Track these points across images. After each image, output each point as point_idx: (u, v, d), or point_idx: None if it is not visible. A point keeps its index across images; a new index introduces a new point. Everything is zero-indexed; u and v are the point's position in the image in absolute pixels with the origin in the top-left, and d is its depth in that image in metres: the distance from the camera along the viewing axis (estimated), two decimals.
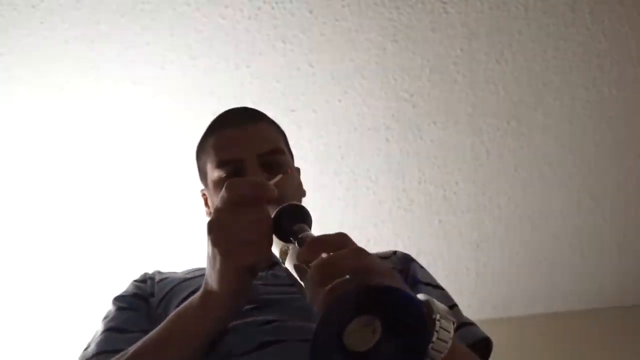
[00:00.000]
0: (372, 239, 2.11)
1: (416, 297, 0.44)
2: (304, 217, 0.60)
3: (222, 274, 0.58)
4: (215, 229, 0.58)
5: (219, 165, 0.84)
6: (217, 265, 0.58)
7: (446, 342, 0.49)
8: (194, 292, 0.73)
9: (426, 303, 0.49)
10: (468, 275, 2.26)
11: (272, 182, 0.77)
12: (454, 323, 0.50)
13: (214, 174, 0.85)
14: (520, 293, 2.36)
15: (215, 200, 0.84)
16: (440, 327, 0.49)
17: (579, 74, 1.71)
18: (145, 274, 0.90)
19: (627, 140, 1.90)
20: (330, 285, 0.44)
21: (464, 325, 0.75)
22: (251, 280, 0.62)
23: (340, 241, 0.49)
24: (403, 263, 0.87)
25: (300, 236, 0.55)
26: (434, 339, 0.48)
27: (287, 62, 1.62)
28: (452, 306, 0.78)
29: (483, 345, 0.75)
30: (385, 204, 2.01)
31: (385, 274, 0.47)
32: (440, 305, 0.51)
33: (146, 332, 0.68)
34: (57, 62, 1.55)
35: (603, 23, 1.60)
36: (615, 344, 2.18)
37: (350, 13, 1.52)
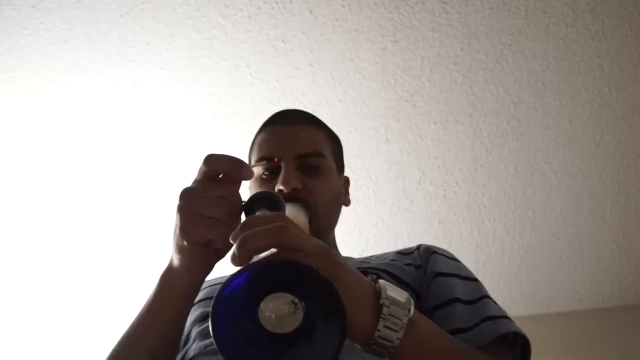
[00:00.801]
0: (372, 239, 2.11)
1: (324, 275, 0.40)
2: (278, 205, 0.58)
3: (178, 247, 0.59)
4: (182, 199, 0.58)
5: (258, 161, 0.85)
6: (175, 236, 0.58)
7: (395, 330, 0.47)
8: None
9: (375, 287, 0.47)
10: None
11: (278, 187, 0.78)
12: (409, 311, 0.48)
13: (254, 170, 0.85)
14: (520, 293, 2.36)
15: None
16: (389, 314, 0.47)
17: (578, 74, 1.71)
18: None
19: (627, 140, 1.90)
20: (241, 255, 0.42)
21: (489, 318, 0.68)
22: (211, 258, 0.61)
23: (272, 219, 0.46)
24: (423, 257, 0.84)
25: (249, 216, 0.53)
26: (379, 326, 0.46)
27: (287, 62, 1.62)
28: (480, 298, 0.72)
29: (510, 341, 0.66)
30: (385, 204, 2.01)
31: (314, 253, 0.45)
32: (396, 293, 0.48)
33: None
34: (57, 62, 1.55)
35: (603, 23, 1.60)
36: (615, 344, 2.18)
37: (350, 13, 1.52)
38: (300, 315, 0.41)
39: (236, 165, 0.57)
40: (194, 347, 0.71)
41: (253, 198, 0.58)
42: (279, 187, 0.80)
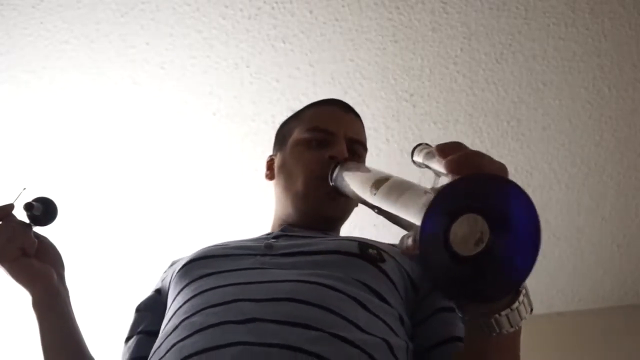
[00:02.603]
0: (372, 239, 2.10)
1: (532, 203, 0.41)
2: (50, 207, 0.81)
3: (9, 272, 0.77)
4: None
5: (311, 129, 0.89)
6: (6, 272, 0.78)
7: (521, 317, 0.49)
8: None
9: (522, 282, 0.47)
10: None
11: (330, 153, 0.83)
12: (531, 311, 0.50)
13: (300, 134, 0.90)
14: None
15: (292, 157, 0.89)
16: (517, 307, 0.49)
17: (579, 74, 1.72)
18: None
19: (627, 140, 1.90)
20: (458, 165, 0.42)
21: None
22: (29, 262, 0.76)
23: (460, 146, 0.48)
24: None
25: None
26: (505, 312, 0.48)
27: (287, 62, 1.62)
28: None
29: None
30: None
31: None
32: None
33: None
34: (57, 62, 1.55)
35: (603, 23, 1.60)
36: (615, 343, 2.18)
37: (350, 13, 1.52)
38: (484, 241, 0.41)
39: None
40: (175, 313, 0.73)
41: (27, 204, 0.78)
42: (332, 153, 0.84)
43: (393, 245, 0.83)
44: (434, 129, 1.82)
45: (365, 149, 0.95)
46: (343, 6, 1.50)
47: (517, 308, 0.49)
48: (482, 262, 0.41)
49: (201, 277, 0.73)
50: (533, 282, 2.29)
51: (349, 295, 0.67)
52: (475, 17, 1.56)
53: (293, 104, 1.70)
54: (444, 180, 0.48)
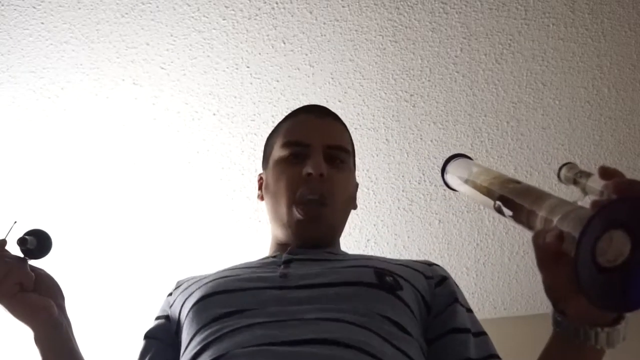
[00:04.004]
0: (372, 239, 2.11)
1: None
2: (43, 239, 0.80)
3: (9, 309, 0.75)
4: None
5: (286, 145, 0.88)
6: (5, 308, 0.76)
7: (617, 340, 0.51)
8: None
9: None
10: (468, 275, 2.27)
11: (306, 170, 0.82)
12: (623, 339, 0.52)
13: (278, 152, 0.89)
14: (520, 293, 2.36)
15: (273, 179, 0.88)
16: (623, 326, 0.51)
17: (578, 74, 1.72)
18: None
19: (627, 140, 1.91)
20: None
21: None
22: (28, 298, 0.74)
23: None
24: (436, 274, 0.84)
25: None
26: (616, 327, 0.51)
27: (287, 62, 1.62)
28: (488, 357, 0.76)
29: None
30: (385, 204, 2.01)
31: None
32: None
33: None
34: (57, 62, 1.55)
35: (602, 23, 1.60)
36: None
37: (350, 13, 1.53)
38: (624, 255, 0.45)
39: None
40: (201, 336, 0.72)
41: (21, 239, 0.76)
42: (307, 170, 0.83)
43: (402, 264, 0.83)
44: (434, 129, 1.82)
45: (348, 151, 0.91)
46: (343, 6, 1.51)
47: (618, 329, 0.51)
48: (618, 275, 0.45)
49: (222, 317, 0.72)
50: (533, 282, 2.30)
51: (373, 332, 0.68)
52: (475, 17, 1.56)
53: (293, 104, 1.71)
54: (590, 198, 0.53)
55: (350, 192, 0.92)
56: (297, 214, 0.84)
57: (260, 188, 0.96)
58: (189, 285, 0.84)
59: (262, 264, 0.84)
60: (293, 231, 0.85)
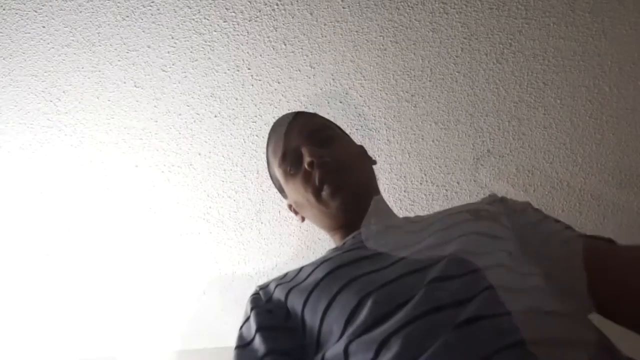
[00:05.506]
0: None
1: None
2: None
3: None
4: None
5: (280, 162, 0.92)
6: None
7: None
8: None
9: None
10: None
11: (306, 160, 0.85)
12: None
13: (280, 173, 0.93)
14: None
15: (294, 195, 0.91)
16: None
17: (579, 73, 1.72)
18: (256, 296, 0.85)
19: (629, 139, 1.91)
20: None
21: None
22: None
23: None
24: (509, 206, 0.90)
25: None
26: None
27: (288, 64, 1.62)
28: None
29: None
30: None
31: None
32: None
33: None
34: (59, 65, 1.55)
35: (603, 22, 1.60)
36: (614, 342, 2.18)
37: (351, 14, 1.53)
38: None
39: None
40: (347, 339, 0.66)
41: None
42: (306, 163, 0.86)
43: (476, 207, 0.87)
44: (435, 129, 1.82)
45: (330, 127, 0.94)
46: (343, 7, 1.51)
47: None
48: None
49: (356, 278, 0.69)
50: None
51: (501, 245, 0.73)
52: (476, 17, 1.56)
53: (294, 105, 1.71)
54: None
55: (353, 152, 0.95)
56: (326, 195, 0.86)
57: (296, 213, 0.99)
58: (272, 283, 0.82)
59: (344, 249, 0.82)
60: (336, 207, 0.87)
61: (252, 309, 0.80)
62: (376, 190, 0.97)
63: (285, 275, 0.85)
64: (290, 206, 0.99)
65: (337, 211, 0.87)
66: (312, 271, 0.76)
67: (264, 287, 0.84)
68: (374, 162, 1.00)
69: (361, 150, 0.98)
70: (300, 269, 0.82)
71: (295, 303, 0.74)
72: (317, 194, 0.86)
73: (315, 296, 0.70)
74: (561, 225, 0.82)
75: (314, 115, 0.99)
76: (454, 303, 0.60)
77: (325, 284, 0.71)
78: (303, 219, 0.98)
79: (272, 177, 1.00)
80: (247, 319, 0.79)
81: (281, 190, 0.99)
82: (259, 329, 0.74)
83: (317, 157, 0.85)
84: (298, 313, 0.72)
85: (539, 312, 0.59)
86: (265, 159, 1.03)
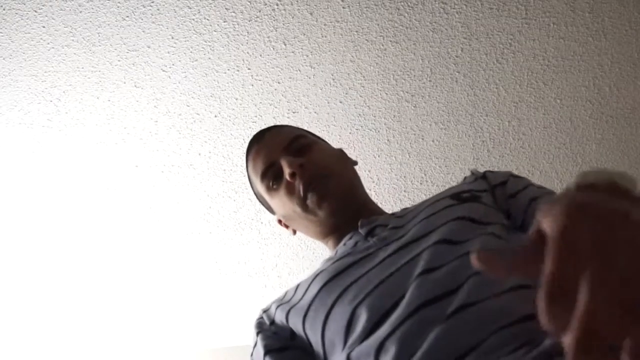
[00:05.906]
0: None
1: None
2: None
3: None
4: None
5: (262, 179, 0.93)
6: None
7: None
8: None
9: None
10: None
11: (287, 172, 0.86)
12: None
13: (264, 189, 0.94)
14: None
15: (281, 209, 0.93)
16: None
17: (579, 73, 1.72)
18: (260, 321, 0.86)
19: (628, 139, 1.91)
20: None
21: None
22: None
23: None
24: (493, 178, 0.91)
25: None
26: None
27: (288, 64, 1.62)
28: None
29: None
30: (386, 205, 2.01)
31: None
32: None
33: None
34: (59, 66, 1.55)
35: (603, 22, 1.60)
36: None
37: (351, 14, 1.53)
38: None
39: None
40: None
41: None
42: (287, 175, 0.86)
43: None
44: (435, 129, 1.82)
45: (304, 136, 0.94)
46: (343, 7, 1.51)
47: None
48: None
49: (351, 284, 0.71)
50: None
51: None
52: (476, 17, 1.56)
53: (294, 105, 1.71)
54: None
55: (332, 154, 0.95)
56: (312, 204, 0.86)
57: (287, 227, 0.99)
58: (274, 305, 0.84)
59: (347, 248, 0.84)
60: (324, 214, 0.87)
61: (257, 334, 0.83)
62: (361, 190, 0.98)
63: (285, 294, 0.87)
64: (280, 221, 1.00)
65: (326, 218, 0.88)
66: (308, 287, 0.80)
67: (266, 310, 0.87)
68: (355, 163, 1.01)
69: (340, 152, 0.98)
70: (297, 286, 0.85)
71: (296, 322, 0.77)
72: (302, 203, 0.86)
73: (312, 313, 0.74)
74: (542, 191, 0.83)
75: (285, 126, 1.00)
76: (442, 294, 0.62)
77: (319, 300, 0.74)
78: (294, 231, 0.99)
79: (257, 195, 1.01)
80: (255, 345, 0.83)
81: (268, 207, 1.00)
82: (267, 352, 0.78)
83: (297, 167, 0.85)
84: (301, 332, 0.76)
85: (528, 289, 0.61)
86: (248, 179, 1.03)
